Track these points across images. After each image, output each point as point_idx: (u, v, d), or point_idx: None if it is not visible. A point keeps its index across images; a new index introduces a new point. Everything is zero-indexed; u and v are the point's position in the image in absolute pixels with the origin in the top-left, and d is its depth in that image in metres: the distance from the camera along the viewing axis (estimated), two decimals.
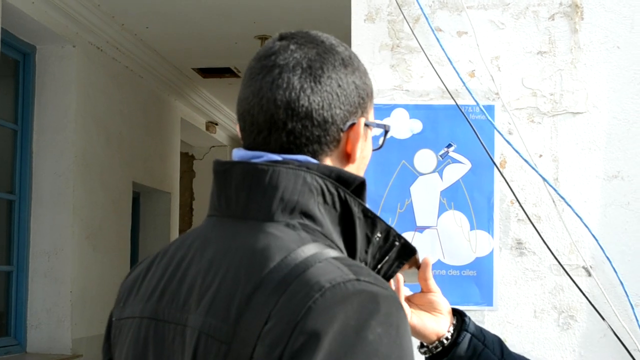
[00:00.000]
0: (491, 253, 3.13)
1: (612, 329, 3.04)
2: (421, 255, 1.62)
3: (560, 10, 3.17)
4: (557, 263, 3.08)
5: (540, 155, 3.13)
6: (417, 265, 1.65)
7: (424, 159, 3.17)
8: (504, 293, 3.12)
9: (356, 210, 1.29)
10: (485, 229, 3.14)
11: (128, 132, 7.42)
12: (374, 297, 1.13)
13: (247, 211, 1.28)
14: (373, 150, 1.45)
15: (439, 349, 1.70)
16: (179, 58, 8.06)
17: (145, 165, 7.94)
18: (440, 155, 3.17)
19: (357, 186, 1.31)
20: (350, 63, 1.35)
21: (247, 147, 1.34)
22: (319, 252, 1.19)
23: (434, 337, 1.69)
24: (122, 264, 7.36)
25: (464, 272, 3.11)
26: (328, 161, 1.33)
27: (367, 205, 1.33)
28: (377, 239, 1.33)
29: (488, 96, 3.17)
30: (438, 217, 3.15)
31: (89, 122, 6.59)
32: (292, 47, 1.32)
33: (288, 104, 1.28)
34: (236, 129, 1.39)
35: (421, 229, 3.13)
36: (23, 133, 6.20)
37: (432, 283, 1.68)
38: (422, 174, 3.17)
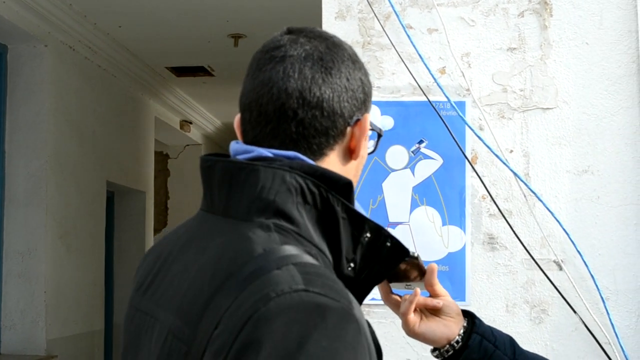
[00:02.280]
0: (463, 248, 3.15)
1: (583, 323, 3.06)
2: (417, 243, 1.63)
3: (529, 7, 3.19)
4: (529, 257, 3.10)
5: (511, 151, 3.16)
6: (423, 272, 1.65)
7: (396, 155, 3.18)
8: (476, 288, 3.14)
9: (339, 209, 1.27)
10: (457, 224, 3.15)
11: (102, 131, 7.39)
12: (321, 308, 1.09)
13: (227, 209, 1.28)
14: (368, 154, 1.44)
15: (450, 353, 1.71)
16: (152, 57, 8.04)
17: (120, 164, 7.91)
18: (412, 152, 3.18)
19: (343, 186, 1.29)
20: (357, 60, 1.37)
21: (250, 140, 1.33)
22: (282, 256, 1.17)
23: (445, 341, 1.70)
24: (96, 263, 7.33)
25: None
26: (332, 156, 1.33)
27: (356, 205, 1.31)
28: (366, 238, 1.30)
29: (459, 92, 3.19)
30: (410, 212, 3.17)
31: (62, 121, 6.56)
32: (301, 40, 1.33)
33: (300, 93, 1.28)
34: (235, 125, 1.38)
35: (393, 225, 3.14)
36: None
37: (440, 288, 1.69)
38: (394, 170, 3.19)
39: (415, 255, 1.60)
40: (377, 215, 3.15)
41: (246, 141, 1.34)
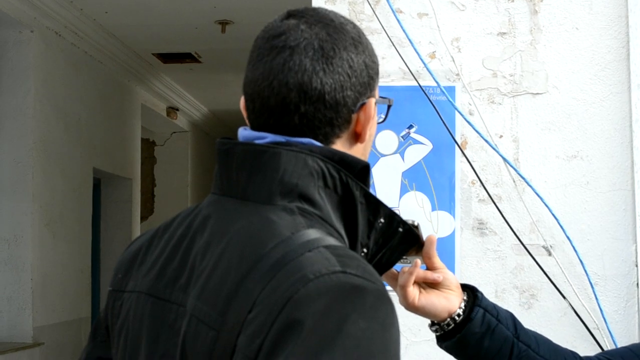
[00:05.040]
0: (453, 233, 3.15)
1: (572, 308, 3.07)
2: (425, 233, 1.59)
3: None
4: (518, 243, 3.10)
5: (501, 136, 3.15)
6: (421, 243, 1.59)
7: (386, 140, 3.18)
8: (465, 273, 3.14)
9: (358, 194, 1.27)
10: (447, 210, 3.15)
11: (88, 118, 7.36)
12: (359, 290, 1.10)
13: (247, 192, 1.27)
14: (378, 123, 1.43)
15: (451, 326, 1.67)
16: (138, 43, 8.00)
17: (106, 151, 7.88)
18: (402, 137, 3.18)
19: (361, 170, 1.28)
20: (360, 42, 1.32)
21: (256, 128, 1.32)
22: (311, 240, 1.17)
23: (446, 315, 1.65)
24: (83, 250, 7.31)
25: None
26: (338, 143, 1.31)
27: (370, 190, 1.30)
28: (380, 224, 1.31)
29: (449, 77, 3.18)
30: (400, 198, 3.16)
31: (48, 108, 6.53)
32: (302, 26, 1.29)
33: (300, 87, 1.26)
34: (241, 106, 1.36)
35: None
36: None
37: (438, 260, 1.64)
38: (383, 155, 3.18)
39: (416, 224, 1.55)
40: None
41: (253, 129, 1.32)
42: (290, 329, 1.07)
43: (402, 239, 1.35)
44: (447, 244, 3.14)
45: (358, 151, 1.35)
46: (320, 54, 1.27)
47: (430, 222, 3.15)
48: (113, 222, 8.61)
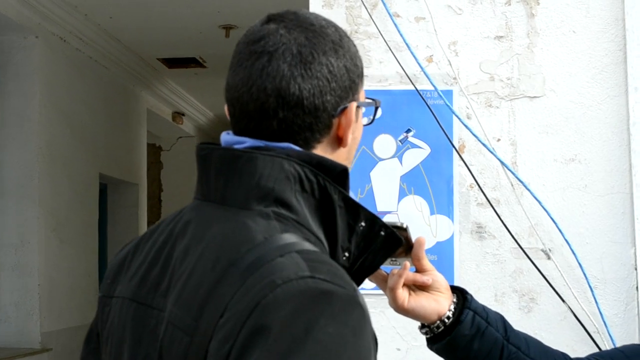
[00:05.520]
0: (451, 237, 3.15)
1: (572, 311, 3.06)
2: (413, 235, 1.57)
3: None
4: (517, 246, 3.10)
5: (499, 140, 3.15)
6: (410, 245, 1.59)
7: (384, 144, 3.18)
8: (464, 277, 3.14)
9: (336, 198, 1.27)
10: (445, 214, 3.15)
11: (93, 123, 7.37)
12: (327, 294, 1.10)
13: (225, 197, 1.27)
14: (365, 125, 1.43)
15: (440, 329, 1.66)
16: (143, 48, 8.02)
17: (111, 156, 7.90)
18: (400, 141, 3.18)
19: (339, 174, 1.28)
20: (341, 46, 1.32)
21: (237, 132, 1.32)
22: (284, 244, 1.17)
23: (435, 317, 1.65)
24: (90, 256, 7.33)
25: None
26: (319, 147, 1.31)
27: (350, 194, 1.30)
28: (361, 227, 1.30)
29: (446, 81, 3.18)
30: (398, 202, 3.17)
31: (53, 113, 6.55)
32: (281, 31, 1.29)
33: (279, 92, 1.26)
34: (226, 112, 1.36)
35: (382, 214, 3.14)
36: None
37: (427, 262, 1.64)
38: (381, 159, 3.18)
39: (404, 226, 1.55)
40: (365, 204, 3.08)
41: (235, 134, 1.33)
42: (257, 335, 1.07)
43: (385, 243, 1.33)
44: (446, 248, 3.14)
45: (341, 155, 1.34)
46: (298, 59, 1.27)
47: (429, 226, 3.15)
48: (120, 227, 8.62)
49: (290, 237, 1.19)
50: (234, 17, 6.99)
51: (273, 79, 1.26)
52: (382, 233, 1.32)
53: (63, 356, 6.61)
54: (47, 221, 6.42)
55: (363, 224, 1.29)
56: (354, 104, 1.32)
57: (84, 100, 7.17)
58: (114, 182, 8.39)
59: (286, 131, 1.28)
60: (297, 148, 1.28)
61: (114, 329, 1.37)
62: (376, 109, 1.44)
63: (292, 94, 1.26)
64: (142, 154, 8.99)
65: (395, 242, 1.35)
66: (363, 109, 1.40)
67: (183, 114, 10.37)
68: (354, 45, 1.37)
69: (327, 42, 1.30)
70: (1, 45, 6.28)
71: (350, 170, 1.35)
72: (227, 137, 1.34)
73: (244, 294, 1.11)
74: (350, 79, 1.32)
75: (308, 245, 1.19)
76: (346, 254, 1.30)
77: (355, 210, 1.29)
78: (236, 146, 1.30)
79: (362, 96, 1.38)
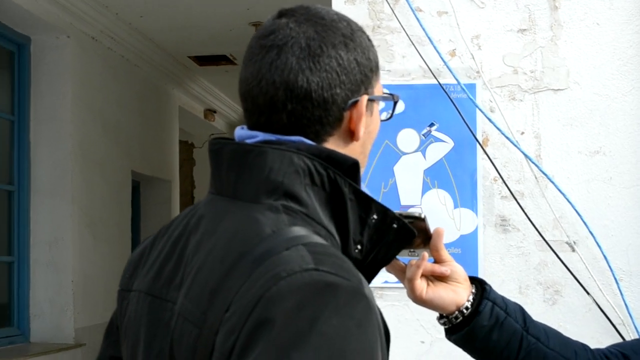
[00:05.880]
0: (475, 230, 3.15)
1: (597, 304, 3.06)
2: (432, 225, 1.57)
3: None
4: (541, 239, 3.10)
5: (522, 133, 3.15)
6: (428, 236, 1.59)
7: (407, 138, 3.19)
8: (488, 270, 3.15)
9: (347, 191, 1.26)
10: (469, 207, 3.16)
11: (125, 121, 7.43)
12: (331, 287, 1.10)
13: (236, 192, 1.28)
14: (383, 121, 1.42)
15: (459, 319, 1.65)
16: (174, 46, 8.06)
17: (144, 154, 7.96)
18: (423, 135, 3.19)
19: (350, 167, 1.28)
20: (352, 39, 1.32)
21: (250, 127, 1.33)
22: (291, 237, 1.17)
23: (454, 308, 1.64)
24: (123, 252, 7.38)
25: (449, 250, 3.10)
26: (331, 141, 1.31)
27: (362, 186, 1.30)
28: (373, 220, 1.29)
29: (469, 75, 3.19)
30: (422, 195, 3.18)
31: (85, 111, 6.61)
32: (291, 25, 1.30)
33: (287, 85, 1.26)
34: (240, 112, 1.40)
35: (405, 208, 3.15)
36: (20, 124, 6.23)
37: (445, 253, 1.63)
38: (405, 154, 3.19)
39: (422, 216, 1.55)
40: (389, 198, 3.16)
41: (249, 128, 1.34)
42: (261, 328, 1.07)
43: (397, 235, 1.32)
44: (470, 241, 3.15)
45: (355, 150, 1.34)
46: (307, 52, 1.27)
47: (452, 220, 3.16)
48: (153, 223, 8.68)
49: (298, 230, 1.19)
50: (264, 14, 7.00)
51: (281, 72, 1.27)
52: (395, 225, 1.31)
53: (96, 351, 6.63)
54: (80, 218, 6.48)
55: (375, 216, 1.29)
56: (365, 97, 1.31)
57: (116, 98, 7.23)
58: (146, 179, 8.45)
59: (296, 124, 1.28)
60: (308, 141, 1.29)
61: (131, 323, 1.39)
62: (395, 103, 1.44)
63: (300, 87, 1.26)
64: (175, 152, 9.04)
65: (408, 234, 1.34)
66: (381, 104, 1.40)
67: (215, 111, 10.42)
68: (369, 40, 1.37)
69: (337, 36, 1.30)
70: (34, 45, 6.35)
71: (364, 164, 1.36)
72: (240, 131, 1.35)
73: (250, 287, 1.12)
74: (362, 72, 1.31)
75: (316, 238, 1.19)
76: (358, 247, 1.29)
77: (367, 203, 1.28)
78: (248, 141, 1.31)
79: (378, 90, 1.37)
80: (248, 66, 1.32)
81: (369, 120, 1.35)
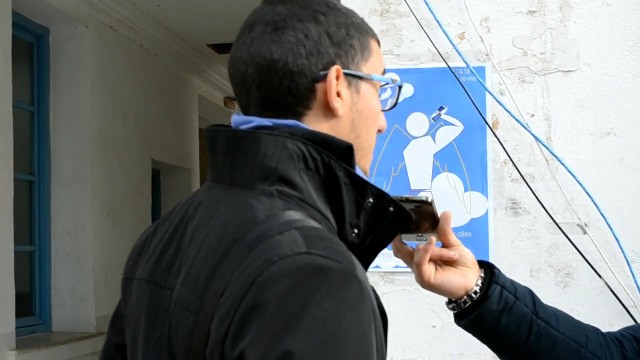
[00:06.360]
0: (486, 214, 3.14)
1: (608, 286, 3.04)
2: (439, 209, 1.56)
3: None
4: (552, 222, 3.09)
5: (532, 115, 3.14)
6: (436, 220, 1.58)
7: (416, 122, 3.18)
8: (499, 253, 3.14)
9: (341, 175, 1.26)
10: (480, 190, 3.15)
11: (145, 110, 7.47)
12: (323, 270, 1.10)
13: (232, 178, 1.29)
14: (385, 110, 1.42)
15: (467, 304, 1.64)
16: (192, 35, 8.08)
17: (164, 142, 7.99)
18: (432, 118, 3.18)
19: (344, 151, 1.28)
20: (323, 13, 1.32)
21: (243, 112, 1.35)
22: (284, 222, 1.17)
23: (462, 292, 1.63)
24: None
25: (459, 234, 3.11)
26: (311, 115, 1.31)
27: (357, 170, 1.30)
28: (369, 204, 1.28)
29: (478, 57, 3.17)
30: (432, 179, 3.17)
31: (105, 101, 6.65)
32: (266, 7, 1.33)
33: (252, 58, 1.29)
34: None
35: (415, 192, 3.15)
36: (40, 114, 6.27)
37: (453, 237, 1.63)
38: (414, 138, 3.19)
39: (430, 200, 1.54)
40: (399, 182, 3.16)
41: (244, 114, 1.36)
42: (253, 312, 1.08)
43: (394, 218, 1.32)
44: (481, 225, 3.14)
45: (342, 129, 1.34)
46: (272, 26, 1.30)
47: (462, 203, 3.15)
48: None
49: (292, 215, 1.19)
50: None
51: (247, 47, 1.30)
52: (391, 209, 1.31)
53: None
54: (101, 207, 6.53)
55: (371, 200, 1.28)
56: (334, 68, 1.30)
57: (135, 87, 7.26)
58: (166, 167, 8.49)
59: (268, 98, 1.30)
60: (304, 126, 1.30)
61: (132, 310, 1.40)
62: (399, 89, 1.43)
63: (263, 57, 1.29)
64: (195, 140, 9.07)
65: (405, 217, 1.33)
66: (387, 92, 1.40)
67: (234, 99, 10.41)
68: (352, 17, 1.36)
69: (307, 11, 1.31)
70: (52, 36, 6.38)
71: (365, 149, 1.37)
72: (236, 117, 1.36)
73: (243, 271, 1.12)
74: (335, 44, 1.32)
75: (310, 222, 1.19)
76: (355, 231, 1.29)
77: (362, 187, 1.28)
78: (243, 126, 1.31)
79: (369, 69, 1.36)
80: (232, 51, 1.35)
81: (356, 97, 1.34)
